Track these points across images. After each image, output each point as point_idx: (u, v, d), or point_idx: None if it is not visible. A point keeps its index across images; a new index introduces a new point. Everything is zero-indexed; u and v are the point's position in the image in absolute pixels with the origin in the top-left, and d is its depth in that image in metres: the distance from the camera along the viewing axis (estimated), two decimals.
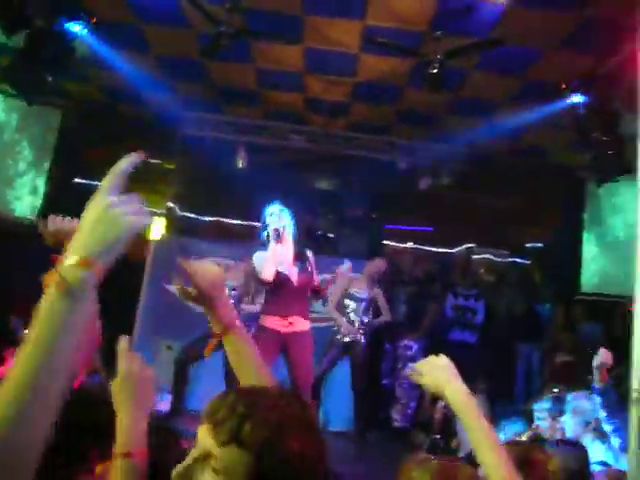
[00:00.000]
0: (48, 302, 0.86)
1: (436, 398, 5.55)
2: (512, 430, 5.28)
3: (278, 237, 3.94)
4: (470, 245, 9.29)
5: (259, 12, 5.23)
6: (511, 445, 2.27)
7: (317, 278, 4.23)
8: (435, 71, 5.22)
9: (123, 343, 1.40)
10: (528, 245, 9.67)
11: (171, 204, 9.17)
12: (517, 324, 7.69)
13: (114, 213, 0.94)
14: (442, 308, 6.92)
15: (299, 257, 4.10)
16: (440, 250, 9.08)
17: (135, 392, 1.33)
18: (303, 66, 6.14)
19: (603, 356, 3.06)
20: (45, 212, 7.97)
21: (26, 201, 8.04)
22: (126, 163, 1.02)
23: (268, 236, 4.00)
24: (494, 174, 7.64)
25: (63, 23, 4.86)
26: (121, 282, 7.04)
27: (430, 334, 6.60)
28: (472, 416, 1.48)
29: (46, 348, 0.83)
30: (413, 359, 6.19)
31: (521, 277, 8.96)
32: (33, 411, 0.79)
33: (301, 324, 4.04)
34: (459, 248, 9.31)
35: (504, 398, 6.34)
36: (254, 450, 0.91)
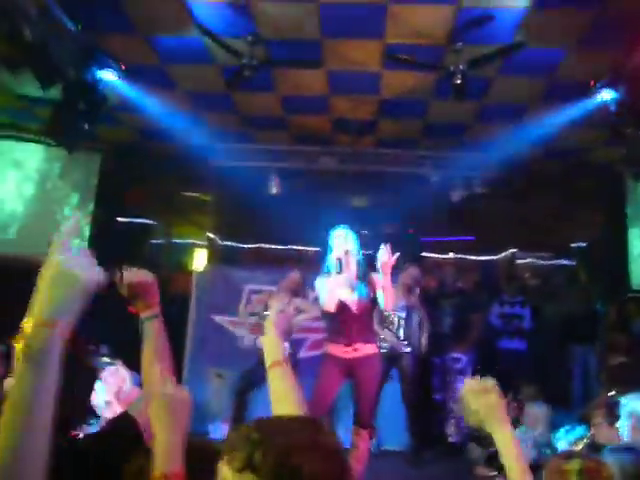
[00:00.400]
0: (17, 369, 0.91)
1: None
2: (572, 436, 5.15)
3: (340, 266, 3.96)
4: (513, 250, 9.15)
5: (279, 41, 5.35)
6: (565, 457, 2.24)
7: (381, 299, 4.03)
8: (459, 82, 5.23)
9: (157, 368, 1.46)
10: (573, 245, 9.45)
11: (211, 235, 9.35)
12: (569, 327, 7.49)
13: (66, 271, 1.01)
14: (487, 317, 6.81)
15: (361, 281, 4.04)
16: (482, 258, 8.97)
17: (172, 414, 1.36)
18: (327, 88, 6.23)
19: None
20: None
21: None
22: (72, 225, 1.09)
23: (335, 264, 4.01)
24: (530, 178, 7.55)
25: (94, 72, 5.07)
26: (168, 315, 7.23)
27: (478, 345, 6.49)
28: (515, 460, 1.55)
29: (22, 412, 0.88)
30: (463, 372, 6.11)
31: (568, 278, 8.75)
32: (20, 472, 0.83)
33: (365, 349, 3.99)
34: (502, 254, 9.17)
35: (561, 404, 6.17)
36: (267, 475, 0.92)
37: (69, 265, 1.01)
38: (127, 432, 1.42)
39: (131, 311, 1.82)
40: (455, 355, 6.16)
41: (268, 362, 1.58)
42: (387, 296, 3.85)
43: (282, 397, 1.51)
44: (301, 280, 5.83)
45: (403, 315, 5.77)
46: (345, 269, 3.98)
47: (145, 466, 1.32)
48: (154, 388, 1.41)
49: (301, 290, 5.78)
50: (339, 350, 3.97)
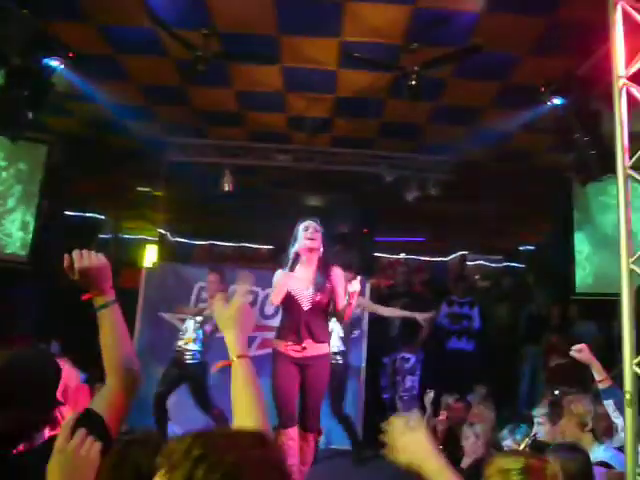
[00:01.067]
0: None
1: (437, 410, 5.53)
2: (517, 435, 5.24)
3: (294, 262, 3.87)
4: (463, 252, 9.32)
5: (235, 35, 5.26)
6: (508, 455, 2.26)
7: (340, 297, 3.93)
8: (413, 82, 5.25)
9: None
10: (521, 248, 9.70)
11: (162, 231, 9.17)
12: (516, 328, 7.67)
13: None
14: (436, 318, 6.90)
15: (318, 277, 3.91)
16: (433, 259, 9.10)
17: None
18: (282, 85, 6.17)
19: None
20: (37, 247, 7.96)
21: (17, 237, 8.01)
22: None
23: (291, 258, 3.91)
24: (481, 181, 7.67)
25: (40, 59, 4.86)
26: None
27: (427, 345, 6.56)
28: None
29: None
30: (411, 371, 6.17)
31: (516, 281, 8.96)
32: None
33: (315, 349, 3.86)
34: (452, 256, 9.33)
35: (508, 404, 6.30)
36: None
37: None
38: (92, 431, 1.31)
39: (85, 298, 1.73)
40: (404, 355, 6.20)
41: (233, 355, 1.59)
42: (346, 315, 3.89)
43: (244, 391, 1.51)
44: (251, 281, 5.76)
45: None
46: (307, 264, 3.87)
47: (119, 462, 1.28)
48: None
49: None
50: (287, 348, 3.85)
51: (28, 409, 1.50)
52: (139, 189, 9.14)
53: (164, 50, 5.53)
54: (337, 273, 3.97)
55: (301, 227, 3.96)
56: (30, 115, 5.10)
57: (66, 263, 1.69)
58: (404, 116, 6.70)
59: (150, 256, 9.83)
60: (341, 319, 4.10)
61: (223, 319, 1.68)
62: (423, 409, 6.03)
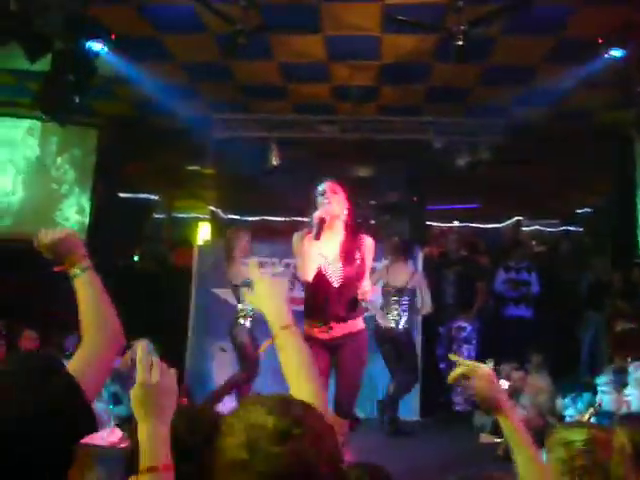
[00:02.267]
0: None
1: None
2: (579, 404, 5.10)
3: (320, 227, 3.28)
4: (518, 218, 9.04)
5: (274, 6, 5.17)
6: (571, 426, 2.17)
7: (365, 273, 3.47)
8: (460, 43, 5.03)
9: (140, 348, 1.32)
10: (579, 212, 9.33)
11: (214, 208, 9.27)
12: (576, 294, 7.40)
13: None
14: (492, 285, 6.72)
15: (347, 247, 3.44)
16: (487, 226, 8.87)
17: (157, 402, 1.27)
18: (326, 55, 6.05)
19: None
20: (94, 229, 8.20)
21: (74, 220, 8.27)
22: None
23: (315, 225, 3.32)
24: (536, 143, 7.37)
25: (84, 42, 4.92)
26: (172, 288, 7.22)
27: (483, 313, 6.42)
28: (521, 444, 1.55)
29: None
30: (468, 340, 6.06)
31: (575, 245, 8.65)
32: None
33: (344, 327, 3.43)
34: (507, 222, 9.07)
35: (569, 371, 6.13)
36: None
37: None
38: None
39: (57, 270, 1.67)
40: (460, 324, 6.09)
41: (276, 327, 1.49)
42: (366, 297, 3.50)
43: (294, 361, 1.46)
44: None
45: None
46: (329, 232, 3.38)
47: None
48: (138, 375, 1.28)
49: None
50: (315, 330, 3.45)
51: None
52: (189, 168, 9.25)
53: (204, 26, 5.50)
54: (368, 244, 3.50)
55: (318, 192, 3.45)
56: (77, 99, 5.18)
57: (34, 243, 1.64)
58: (452, 79, 6.48)
59: (203, 234, 9.97)
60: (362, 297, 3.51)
61: (254, 300, 1.60)
62: None
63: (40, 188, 8.15)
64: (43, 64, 5.02)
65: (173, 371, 1.38)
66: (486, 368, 1.62)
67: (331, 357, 3.46)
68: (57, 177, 8.21)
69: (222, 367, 6.38)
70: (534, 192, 8.94)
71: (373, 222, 8.18)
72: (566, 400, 5.10)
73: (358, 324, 3.49)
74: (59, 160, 8.21)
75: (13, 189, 8.07)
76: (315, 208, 3.41)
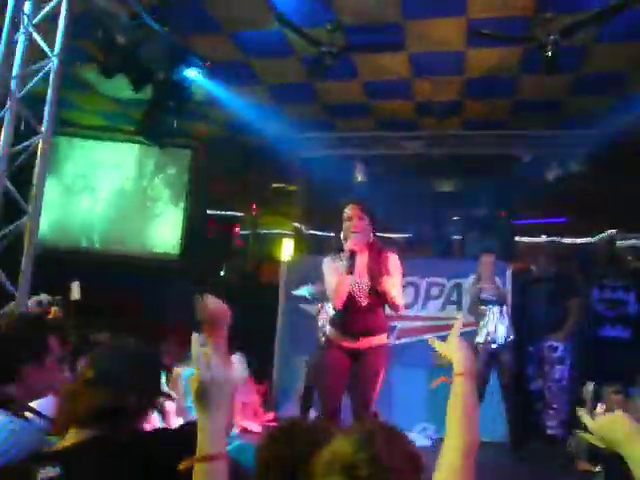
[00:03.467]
0: None
1: (596, 402, 5.17)
2: None
3: (353, 262, 3.35)
4: (612, 231, 8.59)
5: (359, 26, 5.28)
6: None
7: (386, 284, 3.43)
8: (550, 54, 4.93)
9: (194, 343, 1.35)
10: None
11: (297, 224, 9.46)
12: None
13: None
14: (586, 303, 6.42)
15: (373, 265, 3.49)
16: (579, 241, 8.49)
17: (213, 395, 1.31)
18: (410, 71, 6.09)
19: None
20: (185, 245, 8.60)
21: (167, 237, 8.71)
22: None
23: (346, 258, 3.40)
24: (631, 154, 7.02)
25: (182, 71, 5.23)
26: (259, 303, 7.42)
27: (577, 332, 6.14)
28: None
29: None
30: (561, 361, 5.80)
31: None
32: None
33: (369, 341, 3.52)
34: (600, 236, 8.64)
35: None
36: None
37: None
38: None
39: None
40: (552, 343, 5.86)
41: (456, 371, 1.57)
42: (392, 296, 3.40)
43: (460, 409, 1.50)
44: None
45: (497, 308, 5.55)
46: (356, 266, 3.38)
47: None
48: (197, 372, 1.33)
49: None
50: (340, 339, 3.57)
51: (134, 391, 1.59)
52: (274, 185, 9.51)
53: (291, 49, 5.70)
54: (393, 260, 3.52)
55: (344, 216, 3.49)
56: (175, 123, 5.50)
57: (198, 302, 1.71)
58: (540, 91, 6.33)
59: (287, 250, 10.18)
60: (393, 309, 3.51)
61: (445, 347, 1.68)
62: (578, 401, 5.69)
63: (137, 207, 8.67)
64: (143, 92, 5.40)
65: (228, 363, 1.48)
66: (619, 414, 1.48)
67: (352, 363, 3.54)
68: (152, 196, 8.71)
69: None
70: (629, 204, 8.49)
71: (460, 237, 8.06)
72: None
73: (382, 339, 3.57)
74: (156, 180, 8.71)
75: (110, 208, 8.63)
76: (341, 229, 3.50)
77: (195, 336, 1.36)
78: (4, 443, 1.60)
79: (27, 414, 1.82)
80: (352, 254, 3.36)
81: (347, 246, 3.39)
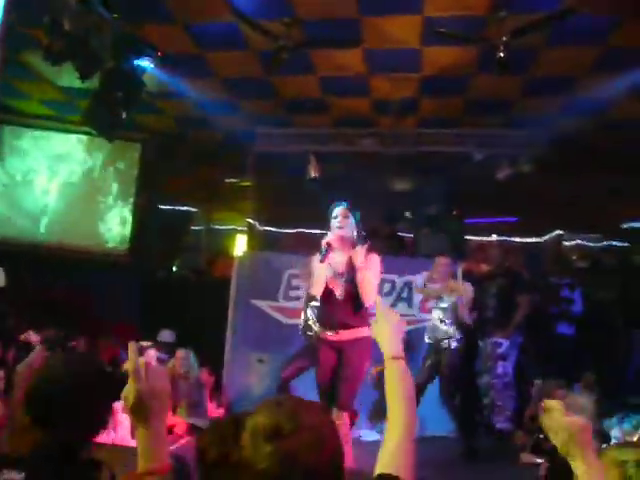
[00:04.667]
0: None
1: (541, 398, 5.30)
2: (627, 425, 4.95)
3: (327, 252, 3.64)
4: (559, 232, 8.84)
5: (315, 21, 5.24)
6: (623, 446, 2.11)
7: (367, 286, 3.68)
8: (502, 54, 5.01)
9: (132, 348, 1.29)
10: (625, 226, 9.06)
11: (251, 220, 9.36)
12: (621, 311, 7.20)
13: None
14: (534, 301, 6.56)
15: (353, 262, 3.74)
16: (527, 240, 8.70)
17: (150, 405, 1.27)
18: (366, 68, 6.09)
19: None
20: (134, 240, 8.39)
21: (116, 232, 8.48)
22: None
23: (323, 248, 3.70)
24: (579, 155, 7.23)
25: (131, 60, 5.08)
26: (210, 299, 7.31)
27: (523, 329, 6.27)
28: None
29: None
30: (503, 357, 5.91)
31: (619, 261, 8.41)
32: None
33: (352, 333, 3.78)
34: (548, 236, 8.88)
35: (614, 392, 5.94)
36: None
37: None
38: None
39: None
40: (496, 339, 5.96)
41: (387, 356, 1.60)
42: (363, 290, 3.68)
43: (396, 392, 1.53)
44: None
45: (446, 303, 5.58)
46: (338, 252, 3.70)
47: None
48: (131, 382, 1.27)
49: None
50: (325, 334, 3.86)
51: (75, 426, 1.54)
52: (228, 180, 9.38)
53: (246, 43, 5.61)
54: (374, 260, 3.77)
55: (332, 215, 3.78)
56: (124, 115, 5.33)
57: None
58: (493, 91, 6.44)
59: (240, 246, 10.07)
60: (363, 299, 3.74)
61: (375, 329, 1.69)
62: (522, 397, 5.81)
63: (85, 199, 8.41)
64: (92, 81, 5.21)
65: (163, 372, 1.39)
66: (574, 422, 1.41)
67: (337, 357, 3.81)
68: (102, 189, 8.46)
69: (261, 378, 6.42)
70: (576, 205, 8.75)
71: (412, 235, 8.12)
72: (612, 420, 4.95)
73: (364, 331, 3.75)
74: (104, 173, 8.46)
75: (59, 199, 8.34)
76: (328, 229, 3.78)
77: (132, 345, 1.28)
78: None
79: None
80: (328, 245, 3.65)
81: (325, 239, 3.68)
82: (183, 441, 4.50)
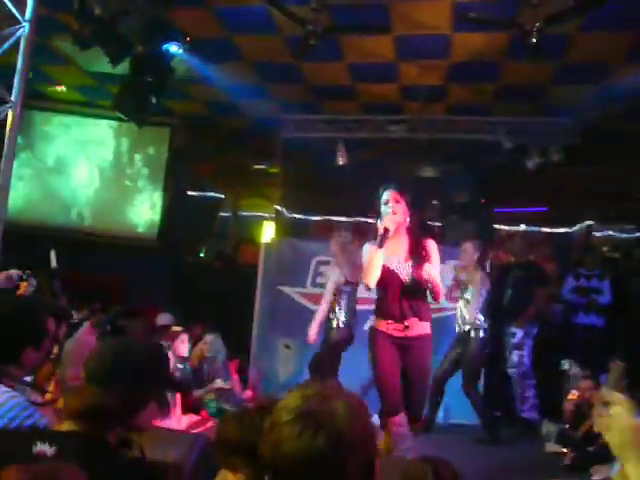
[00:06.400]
0: None
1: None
2: None
3: (384, 238, 3.39)
4: (589, 222, 8.68)
5: (344, 6, 5.20)
6: None
7: (432, 272, 3.45)
8: (534, 40, 4.90)
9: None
10: None
11: (279, 207, 9.41)
12: None
13: None
14: (554, 292, 6.48)
15: (414, 249, 3.52)
16: (557, 230, 8.57)
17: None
18: (395, 54, 6.04)
19: None
20: (164, 225, 8.50)
21: (146, 217, 8.59)
22: None
23: (379, 234, 3.46)
24: (611, 143, 7.08)
25: (161, 46, 5.11)
26: (238, 285, 7.37)
27: (545, 319, 6.21)
28: None
29: None
30: (518, 346, 5.88)
31: None
32: None
33: (418, 327, 3.49)
34: (577, 227, 8.74)
35: None
36: None
37: None
38: None
39: None
40: (511, 329, 5.93)
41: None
42: (433, 284, 3.43)
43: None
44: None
45: (471, 294, 5.55)
46: (393, 239, 3.44)
47: None
48: None
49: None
50: (389, 327, 3.50)
51: (118, 393, 1.59)
52: (256, 167, 9.42)
53: (276, 28, 5.60)
54: (431, 245, 3.56)
55: (382, 200, 3.52)
56: (154, 100, 5.39)
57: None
58: (523, 78, 6.33)
59: (267, 232, 10.14)
60: (434, 297, 3.55)
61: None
62: (538, 385, 5.80)
63: (115, 184, 8.54)
64: (122, 67, 5.27)
65: None
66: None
67: (401, 355, 3.49)
68: (131, 174, 8.57)
69: (286, 364, 6.49)
70: (607, 195, 8.59)
71: (439, 224, 8.07)
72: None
73: (428, 328, 3.54)
74: (134, 158, 8.56)
75: (89, 184, 8.48)
76: (379, 214, 3.52)
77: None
78: (6, 414, 1.66)
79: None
80: (385, 231, 3.38)
81: (381, 224, 3.42)
82: (210, 423, 4.57)
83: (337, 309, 5.42)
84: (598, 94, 6.30)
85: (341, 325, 5.36)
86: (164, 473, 1.96)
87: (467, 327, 5.47)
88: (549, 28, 4.85)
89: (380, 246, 3.38)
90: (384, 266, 3.46)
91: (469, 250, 5.57)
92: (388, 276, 3.47)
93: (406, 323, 3.45)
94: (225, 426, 1.72)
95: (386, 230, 3.38)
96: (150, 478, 1.58)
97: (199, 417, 4.87)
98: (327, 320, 5.44)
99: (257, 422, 1.48)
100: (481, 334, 5.42)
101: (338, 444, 0.99)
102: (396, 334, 3.47)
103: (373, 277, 3.42)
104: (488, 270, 6.23)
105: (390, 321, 3.49)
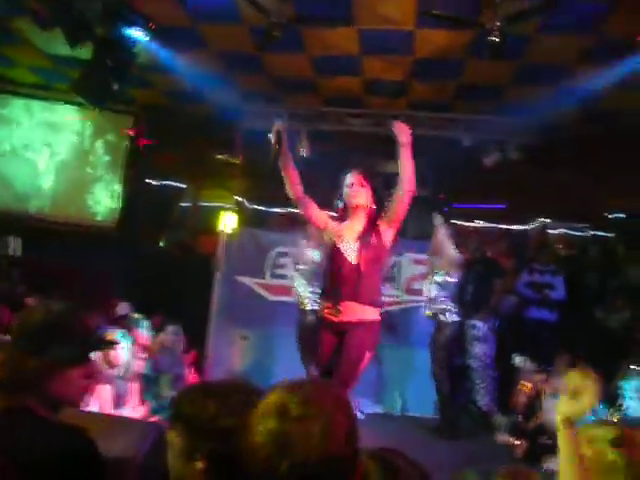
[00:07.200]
0: None
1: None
2: (602, 408, 5.04)
3: (343, 216, 3.46)
4: (545, 220, 8.91)
5: None
6: (598, 425, 2.14)
7: (385, 254, 3.43)
8: (496, 39, 5.00)
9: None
10: (610, 216, 9.16)
11: (239, 198, 9.35)
12: (603, 299, 7.30)
13: None
14: (511, 285, 6.66)
15: (367, 232, 3.43)
16: (513, 227, 8.77)
17: None
18: (358, 48, 6.06)
19: None
20: (123, 214, 8.36)
21: (105, 205, 8.43)
22: None
23: (339, 208, 3.55)
24: (567, 144, 7.27)
25: (123, 30, 5.01)
26: (195, 275, 7.31)
27: (501, 313, 6.37)
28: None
29: None
30: (483, 339, 6.02)
31: (603, 250, 8.51)
32: None
33: (357, 312, 3.30)
34: (533, 224, 8.95)
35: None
36: None
37: None
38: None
39: None
40: (473, 322, 6.07)
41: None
42: (407, 171, 3.44)
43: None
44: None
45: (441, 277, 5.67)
46: (351, 220, 3.47)
47: None
48: None
49: None
50: (326, 312, 3.40)
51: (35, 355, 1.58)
52: (217, 157, 9.32)
53: (240, 17, 5.55)
54: (386, 232, 3.47)
55: (346, 183, 3.51)
56: (116, 86, 5.28)
57: None
58: (484, 77, 6.45)
59: (228, 223, 10.08)
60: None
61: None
62: (497, 377, 5.95)
63: (75, 171, 8.34)
64: (82, 52, 5.15)
65: None
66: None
67: (338, 342, 3.36)
68: (92, 161, 8.39)
69: (243, 354, 6.48)
70: (563, 194, 8.83)
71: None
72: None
73: (372, 314, 3.37)
74: (95, 145, 8.38)
75: (47, 171, 8.26)
76: (340, 197, 3.55)
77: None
78: None
79: None
80: (342, 211, 3.55)
81: (339, 205, 3.55)
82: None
83: (309, 291, 5.49)
84: (556, 95, 6.47)
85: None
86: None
87: (437, 310, 5.59)
88: (510, 28, 4.96)
89: (341, 220, 3.48)
90: (333, 244, 3.44)
91: (440, 234, 5.70)
92: (334, 254, 3.41)
93: (339, 307, 3.30)
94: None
95: (342, 210, 3.50)
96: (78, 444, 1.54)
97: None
98: (300, 303, 5.52)
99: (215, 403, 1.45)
100: (455, 317, 5.56)
101: (302, 471, 1.00)
102: (334, 319, 3.34)
103: (321, 217, 3.53)
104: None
105: (328, 304, 3.40)
